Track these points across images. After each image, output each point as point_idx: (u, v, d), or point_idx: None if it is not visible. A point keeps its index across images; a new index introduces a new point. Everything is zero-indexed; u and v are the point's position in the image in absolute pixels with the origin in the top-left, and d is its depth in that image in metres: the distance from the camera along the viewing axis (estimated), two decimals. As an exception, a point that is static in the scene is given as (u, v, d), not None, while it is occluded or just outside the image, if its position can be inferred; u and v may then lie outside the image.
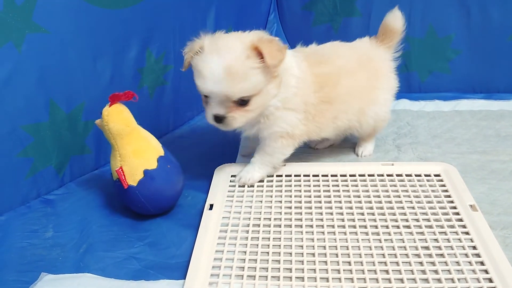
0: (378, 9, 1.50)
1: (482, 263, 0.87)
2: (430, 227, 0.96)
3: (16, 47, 0.97)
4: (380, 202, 1.04)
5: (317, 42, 1.18)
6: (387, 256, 0.89)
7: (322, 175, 1.14)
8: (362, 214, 1.01)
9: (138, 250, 0.96)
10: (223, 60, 0.93)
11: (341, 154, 1.27)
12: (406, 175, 1.13)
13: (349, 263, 0.88)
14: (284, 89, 1.03)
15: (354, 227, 0.97)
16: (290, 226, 0.98)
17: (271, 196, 1.08)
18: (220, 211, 1.03)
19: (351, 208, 1.02)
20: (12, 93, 0.99)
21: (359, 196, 1.06)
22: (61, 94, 1.09)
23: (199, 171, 1.19)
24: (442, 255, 0.89)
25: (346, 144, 1.31)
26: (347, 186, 1.10)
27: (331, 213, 1.01)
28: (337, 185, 1.10)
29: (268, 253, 0.91)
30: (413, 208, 1.02)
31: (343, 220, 0.99)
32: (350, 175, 1.13)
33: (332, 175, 1.14)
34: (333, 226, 0.97)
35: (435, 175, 1.12)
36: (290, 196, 1.07)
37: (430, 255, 0.89)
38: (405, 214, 1.00)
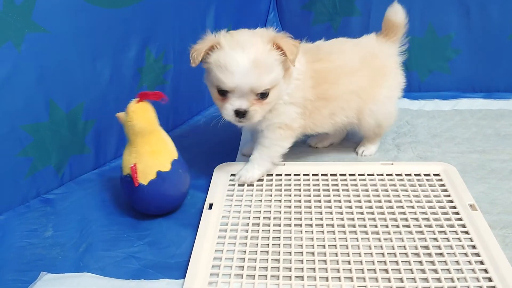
0: (377, 8, 1.50)
1: (481, 263, 0.87)
2: (430, 226, 0.96)
3: (16, 46, 0.97)
4: (380, 201, 1.04)
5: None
6: (386, 255, 0.89)
7: (322, 175, 1.14)
8: (362, 213, 1.01)
9: (138, 249, 0.96)
10: (248, 54, 0.96)
11: (341, 154, 1.27)
12: (406, 175, 1.13)
13: (349, 262, 0.88)
14: (290, 83, 1.06)
15: (354, 226, 0.97)
16: (290, 225, 0.98)
17: (271, 196, 1.08)
18: (220, 211, 1.03)
19: (350, 207, 1.03)
20: (11, 92, 0.99)
21: (358, 196, 1.06)
22: (60, 93, 1.09)
23: (198, 170, 1.19)
24: (441, 254, 0.89)
25: (346, 144, 1.31)
26: (346, 185, 1.10)
27: (331, 213, 1.01)
28: (337, 185, 1.10)
29: (267, 252, 0.91)
30: (412, 207, 1.02)
31: (342, 219, 0.99)
32: (350, 175, 1.13)
33: (331, 175, 1.14)
34: (332, 226, 0.97)
35: (435, 175, 1.12)
36: (290, 196, 1.07)
37: (429, 255, 0.89)
38: (404, 213, 1.00)
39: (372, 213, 1.00)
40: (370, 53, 1.16)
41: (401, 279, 0.84)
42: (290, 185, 1.11)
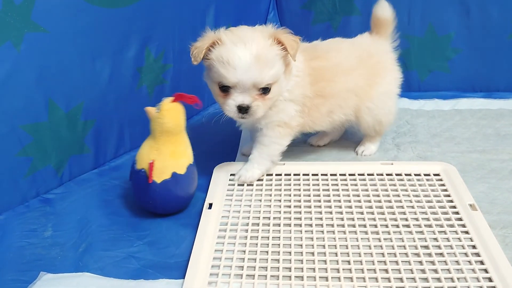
0: (377, 8, 1.50)
1: (481, 263, 0.87)
2: (430, 226, 0.96)
3: (15, 46, 0.97)
4: (380, 201, 1.04)
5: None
6: (386, 255, 0.89)
7: (322, 174, 1.14)
8: (362, 213, 1.00)
9: (137, 249, 0.95)
10: (250, 49, 0.97)
11: (341, 153, 1.27)
12: (406, 175, 1.13)
13: (349, 262, 0.88)
14: (289, 81, 1.06)
15: (354, 226, 0.97)
16: (290, 225, 0.98)
17: (271, 195, 1.08)
18: (220, 210, 1.03)
19: (350, 207, 1.02)
20: (11, 92, 0.99)
21: (358, 196, 1.06)
22: (60, 93, 1.08)
23: (198, 170, 1.18)
24: (441, 254, 0.89)
25: (346, 144, 1.31)
26: (346, 185, 1.10)
27: (330, 212, 1.01)
28: (337, 184, 1.10)
29: (267, 252, 0.91)
30: (412, 207, 1.02)
31: (342, 219, 0.99)
32: (350, 174, 1.13)
33: (331, 174, 1.14)
34: (332, 225, 0.97)
35: (435, 175, 1.12)
36: (289, 195, 1.07)
37: (429, 255, 0.89)
38: (404, 213, 1.00)
39: (372, 213, 1.00)
40: (366, 52, 1.17)
41: (401, 279, 0.84)
42: (289, 184, 1.11)
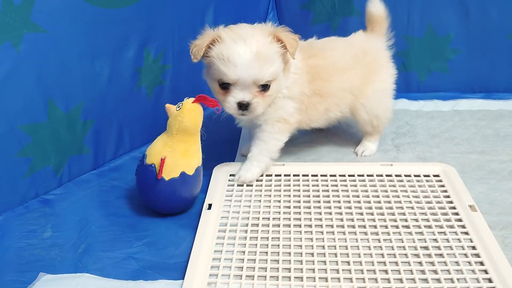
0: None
1: (481, 263, 0.87)
2: (429, 227, 0.96)
3: (14, 46, 0.97)
4: (379, 202, 1.04)
5: (316, 41, 1.19)
6: (386, 256, 0.89)
7: (321, 175, 1.14)
8: (361, 214, 1.00)
9: (137, 250, 0.95)
10: (250, 46, 0.98)
11: (340, 154, 1.27)
12: (405, 176, 1.13)
13: (348, 263, 0.88)
14: (285, 78, 1.07)
15: (353, 227, 0.97)
16: (289, 226, 0.98)
17: (270, 196, 1.08)
18: (219, 211, 1.03)
19: (350, 208, 1.02)
20: (10, 93, 0.99)
21: (358, 196, 1.06)
22: (59, 93, 1.08)
23: (197, 171, 1.19)
24: (441, 255, 0.89)
25: (346, 144, 1.31)
26: (346, 186, 1.10)
27: (330, 213, 1.01)
28: (336, 185, 1.10)
29: (267, 253, 0.91)
30: (412, 208, 1.02)
31: (342, 220, 0.99)
32: (349, 175, 1.13)
33: (331, 175, 1.14)
34: (332, 226, 0.97)
35: (434, 176, 1.12)
36: (289, 196, 1.07)
37: (429, 255, 0.89)
38: (404, 214, 1.00)
39: (372, 214, 1.00)
40: (361, 50, 1.18)
41: (400, 280, 0.84)
42: (289, 185, 1.11)
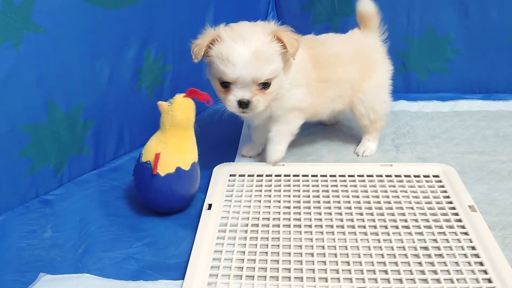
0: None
1: (481, 263, 0.87)
2: (429, 227, 0.96)
3: (15, 47, 0.97)
4: (379, 202, 1.04)
5: (316, 42, 1.19)
6: (386, 256, 0.89)
7: (321, 175, 1.14)
8: (361, 214, 1.01)
9: (137, 250, 0.95)
10: (250, 45, 0.98)
11: (340, 155, 1.27)
12: (405, 176, 1.13)
13: (348, 263, 0.88)
14: (290, 71, 1.08)
15: (353, 227, 0.97)
16: (289, 226, 0.98)
17: (270, 196, 1.08)
18: (219, 211, 1.03)
19: (349, 208, 1.02)
20: (10, 93, 0.99)
21: (358, 197, 1.06)
22: (59, 94, 1.08)
23: (197, 171, 1.19)
24: (441, 255, 0.89)
25: (345, 145, 1.31)
26: (346, 186, 1.10)
27: (330, 213, 1.01)
28: (336, 186, 1.10)
29: (267, 253, 0.91)
30: (412, 208, 1.02)
31: (342, 220, 0.99)
32: (349, 176, 1.13)
33: (331, 175, 1.14)
34: (332, 226, 0.97)
35: (434, 176, 1.12)
36: (289, 196, 1.07)
37: (429, 256, 0.89)
38: (403, 214, 1.00)
39: (372, 214, 1.00)
40: (360, 46, 1.21)
41: (400, 280, 0.84)
42: (289, 185, 1.11)
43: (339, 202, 1.05)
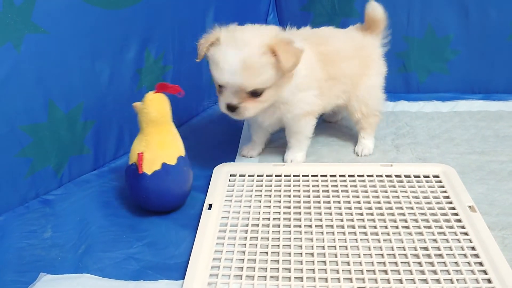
0: (376, 10, 1.50)
1: (481, 264, 0.87)
2: (429, 227, 0.96)
3: (15, 47, 0.97)
4: (379, 202, 1.04)
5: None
6: (386, 256, 0.89)
7: (321, 176, 1.14)
8: (361, 214, 1.01)
9: (137, 250, 0.95)
10: (239, 53, 0.98)
11: (340, 155, 1.27)
12: (405, 176, 1.13)
13: (348, 263, 0.88)
14: (297, 76, 1.08)
15: (353, 227, 0.97)
16: (289, 226, 0.98)
17: (270, 196, 1.08)
18: (219, 211, 1.03)
19: (350, 208, 1.03)
20: (10, 93, 0.99)
21: (358, 197, 1.06)
22: (60, 94, 1.08)
23: (198, 171, 1.18)
24: (441, 255, 0.89)
25: (346, 145, 1.31)
26: (346, 186, 1.10)
27: (330, 213, 1.01)
28: (336, 186, 1.10)
29: (267, 253, 0.91)
30: (412, 209, 1.02)
31: (342, 220, 0.99)
32: (349, 176, 1.14)
33: (331, 176, 1.14)
34: (332, 227, 0.97)
35: (434, 176, 1.12)
36: (289, 196, 1.07)
37: (429, 256, 0.89)
38: (404, 214, 1.00)
39: (372, 214, 1.00)
40: (359, 43, 1.22)
41: (400, 280, 0.84)
42: (289, 185, 1.11)
43: (339, 202, 1.05)
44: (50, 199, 1.11)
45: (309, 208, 1.03)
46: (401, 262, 0.88)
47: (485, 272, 0.85)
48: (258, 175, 1.15)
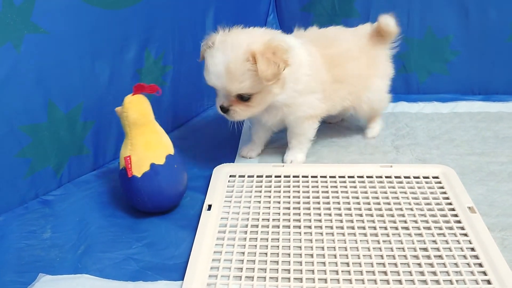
0: (376, 10, 1.49)
1: (480, 265, 0.87)
2: (429, 228, 0.96)
3: (15, 47, 0.97)
4: (379, 203, 1.04)
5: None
6: (385, 257, 0.89)
7: (321, 176, 1.14)
8: (361, 215, 1.01)
9: (136, 251, 0.95)
10: (225, 58, 1.00)
11: (340, 156, 1.27)
12: (405, 177, 1.13)
13: (348, 264, 0.88)
14: (299, 81, 1.09)
15: (353, 228, 0.97)
16: (289, 227, 0.98)
17: (270, 197, 1.08)
18: (219, 212, 1.03)
19: (349, 209, 1.02)
20: (10, 93, 0.99)
21: (357, 198, 1.06)
22: (59, 94, 1.08)
23: (197, 172, 1.19)
24: (440, 256, 0.89)
25: (345, 145, 1.31)
26: (345, 187, 1.10)
27: (330, 214, 1.01)
28: (336, 186, 1.10)
29: (266, 254, 0.91)
30: (411, 209, 1.02)
31: (341, 221, 0.99)
32: (349, 177, 1.13)
33: (330, 176, 1.14)
34: (331, 227, 0.97)
35: (434, 177, 1.12)
36: (289, 197, 1.07)
37: (428, 257, 0.89)
38: (403, 215, 1.00)
39: (371, 215, 1.00)
40: (368, 44, 1.23)
41: (400, 281, 0.84)
42: (289, 186, 1.11)
43: (338, 203, 1.05)
44: (49, 200, 1.11)
45: (309, 209, 1.03)
46: (400, 263, 0.88)
47: (484, 273, 0.85)
48: (257, 176, 1.15)
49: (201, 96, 1.50)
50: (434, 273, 0.86)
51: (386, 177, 1.13)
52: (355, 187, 1.10)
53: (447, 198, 1.05)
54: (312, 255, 0.90)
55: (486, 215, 1.00)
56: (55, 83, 1.07)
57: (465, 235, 0.94)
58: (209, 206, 1.04)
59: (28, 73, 1.01)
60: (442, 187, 1.09)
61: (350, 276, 0.85)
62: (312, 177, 1.14)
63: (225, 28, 1.06)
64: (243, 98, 1.05)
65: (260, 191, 1.10)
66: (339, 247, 0.92)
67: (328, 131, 1.38)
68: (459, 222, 0.98)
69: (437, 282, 0.84)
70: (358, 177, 1.13)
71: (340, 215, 1.01)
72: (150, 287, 0.86)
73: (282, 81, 1.06)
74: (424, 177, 1.12)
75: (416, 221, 0.98)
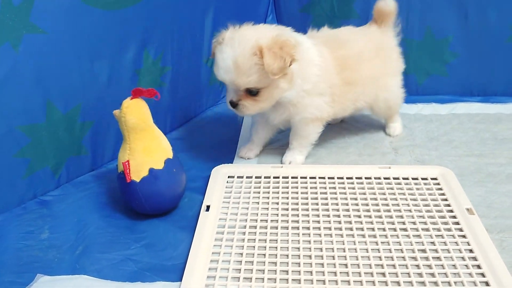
0: (376, 11, 1.50)
1: (478, 267, 0.87)
2: (427, 230, 0.96)
3: (14, 47, 0.97)
4: (377, 205, 1.04)
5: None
6: (383, 259, 0.89)
7: (319, 177, 1.14)
8: (359, 217, 1.01)
9: (135, 251, 0.95)
10: (233, 53, 1.03)
11: (339, 157, 1.27)
12: (403, 178, 1.13)
13: (346, 265, 0.88)
14: (307, 80, 1.10)
15: (351, 229, 0.97)
16: (287, 228, 0.98)
17: (268, 198, 1.08)
18: (217, 213, 1.03)
19: (348, 210, 1.02)
20: (9, 93, 0.99)
21: (356, 199, 1.06)
22: (58, 94, 1.08)
23: (196, 172, 1.19)
24: (438, 258, 0.89)
25: (344, 146, 1.31)
26: (344, 188, 1.10)
27: (328, 216, 1.01)
28: (334, 188, 1.10)
29: (264, 255, 0.91)
30: (410, 211, 1.02)
31: (340, 222, 0.99)
32: (348, 178, 1.13)
33: (329, 178, 1.14)
34: (330, 229, 0.97)
35: (432, 179, 1.12)
36: (287, 198, 1.07)
37: (426, 258, 0.89)
38: (402, 217, 1.00)
39: (370, 217, 1.00)
40: (380, 44, 1.24)
41: (398, 283, 0.84)
42: (287, 187, 1.11)
43: (337, 204, 1.05)
44: (47, 200, 1.11)
45: (307, 210, 1.03)
46: (399, 265, 0.88)
47: (483, 274, 0.85)
48: (256, 177, 1.15)
49: (200, 97, 1.51)
50: (433, 275, 0.86)
51: (385, 178, 1.13)
52: (353, 188, 1.10)
53: (446, 200, 1.05)
54: (310, 256, 0.90)
55: (485, 217, 1.00)
56: (54, 84, 1.07)
57: (464, 236, 0.94)
58: (208, 207, 1.04)
59: (26, 73, 1.01)
60: (440, 189, 1.09)
61: (349, 278, 0.85)
62: (310, 178, 1.14)
63: (235, 25, 1.08)
64: (252, 93, 1.06)
65: (259, 192, 1.10)
66: (337, 248, 0.92)
67: (327, 132, 1.38)
68: (457, 223, 0.98)
69: (436, 283, 0.84)
70: (356, 178, 1.13)
71: (338, 216, 1.01)
72: (148, 288, 0.86)
73: (290, 76, 1.07)
74: (423, 179, 1.12)
75: (414, 223, 0.98)
